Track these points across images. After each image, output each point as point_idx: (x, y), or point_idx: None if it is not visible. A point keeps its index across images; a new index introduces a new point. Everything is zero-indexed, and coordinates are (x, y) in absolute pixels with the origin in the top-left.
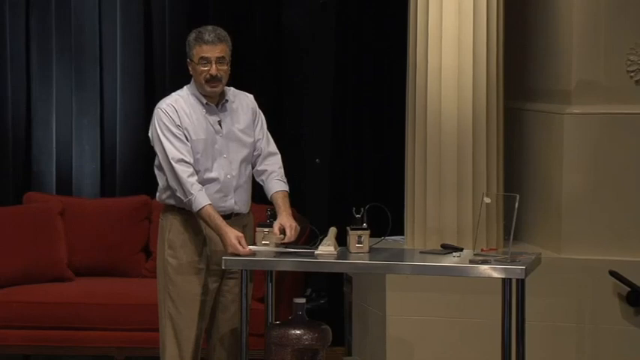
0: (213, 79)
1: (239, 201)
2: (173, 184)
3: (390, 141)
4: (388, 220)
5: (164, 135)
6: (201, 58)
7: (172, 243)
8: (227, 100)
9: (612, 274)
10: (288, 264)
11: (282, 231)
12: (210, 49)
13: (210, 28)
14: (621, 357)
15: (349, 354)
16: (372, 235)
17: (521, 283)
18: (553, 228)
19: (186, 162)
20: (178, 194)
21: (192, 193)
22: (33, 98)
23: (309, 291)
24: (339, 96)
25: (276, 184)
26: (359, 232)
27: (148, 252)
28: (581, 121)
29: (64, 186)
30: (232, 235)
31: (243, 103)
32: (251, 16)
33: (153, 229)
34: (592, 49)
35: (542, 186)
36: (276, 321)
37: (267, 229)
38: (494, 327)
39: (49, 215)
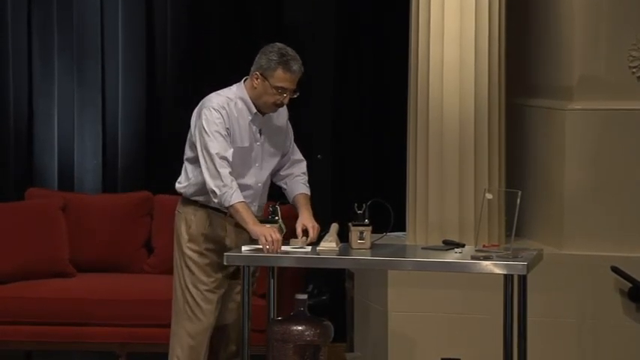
0: (280, 106)
1: (260, 205)
2: (210, 176)
3: (391, 137)
4: (390, 216)
5: (212, 133)
6: (281, 87)
7: (194, 237)
8: (270, 114)
9: (614, 270)
10: (289, 260)
11: (305, 232)
12: (292, 81)
13: (292, 53)
14: (623, 353)
15: (351, 350)
16: (373, 231)
17: (522, 279)
18: (555, 224)
19: (228, 161)
20: (212, 187)
21: (230, 187)
22: (35, 94)
23: (310, 287)
24: (341, 92)
25: (300, 186)
26: (361, 228)
27: (150, 248)
28: (583, 117)
29: (66, 182)
30: (265, 229)
31: (280, 114)
32: (252, 13)
33: (155, 224)
34: (594, 44)
35: (544, 182)
36: (277, 317)
37: (269, 225)
38: (496, 323)
39: (50, 211)
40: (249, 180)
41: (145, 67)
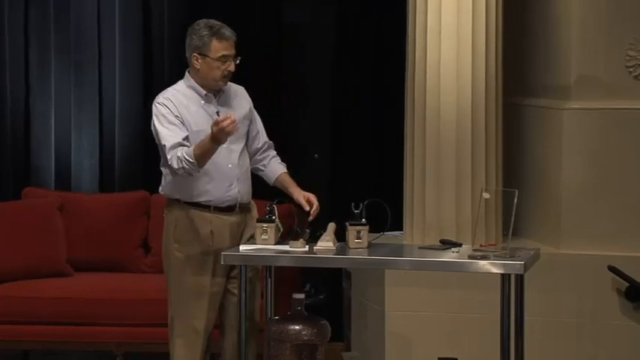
0: (229, 75)
1: (242, 190)
2: (174, 164)
3: (389, 136)
4: (387, 215)
5: (162, 125)
6: (222, 55)
7: (179, 237)
8: (223, 91)
9: (611, 269)
10: (287, 259)
11: (308, 203)
12: (230, 46)
13: (219, 23)
14: (620, 352)
15: (348, 349)
16: (370, 231)
17: (520, 278)
18: (552, 223)
19: (179, 144)
20: (176, 168)
21: (179, 156)
22: (32, 94)
23: (307, 286)
24: (338, 91)
25: (279, 166)
26: (358, 228)
27: (147, 247)
28: (581, 117)
29: (63, 181)
30: (216, 127)
31: (238, 93)
32: (251, 12)
33: (152, 224)
34: (591, 44)
35: (541, 181)
36: (275, 316)
37: (266, 225)
38: (493, 322)
39: (47, 210)
40: (219, 161)
41: (142, 66)
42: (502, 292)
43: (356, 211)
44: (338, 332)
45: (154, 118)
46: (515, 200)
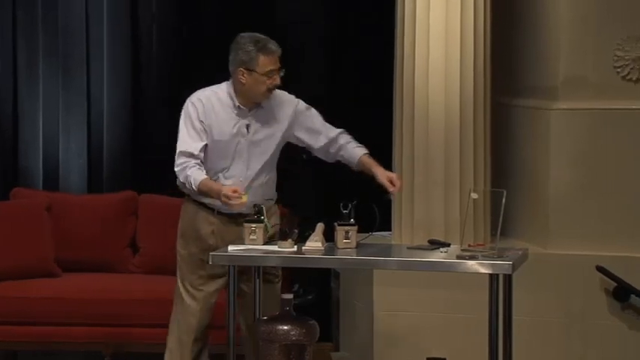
0: (274, 88)
1: (251, 202)
2: (178, 171)
3: (377, 136)
4: (375, 215)
5: (184, 126)
6: (269, 70)
7: (183, 232)
8: (262, 107)
9: (599, 269)
10: (275, 259)
11: (390, 183)
12: (276, 60)
13: (264, 37)
14: (608, 352)
15: (337, 349)
16: (359, 231)
17: (508, 278)
18: (540, 223)
19: (193, 155)
20: (181, 179)
21: (188, 175)
22: (20, 95)
23: (296, 287)
24: (326, 91)
25: (357, 150)
26: (346, 228)
27: (135, 248)
28: (569, 117)
29: (51, 182)
30: (225, 189)
31: (280, 101)
32: (240, 13)
33: (140, 224)
34: (579, 44)
35: (530, 181)
36: (263, 316)
37: (254, 225)
38: (482, 322)
39: (35, 211)
40: (232, 173)
41: (130, 67)
42: (490, 292)
43: (344, 212)
44: (326, 332)
45: (182, 115)
46: (504, 200)
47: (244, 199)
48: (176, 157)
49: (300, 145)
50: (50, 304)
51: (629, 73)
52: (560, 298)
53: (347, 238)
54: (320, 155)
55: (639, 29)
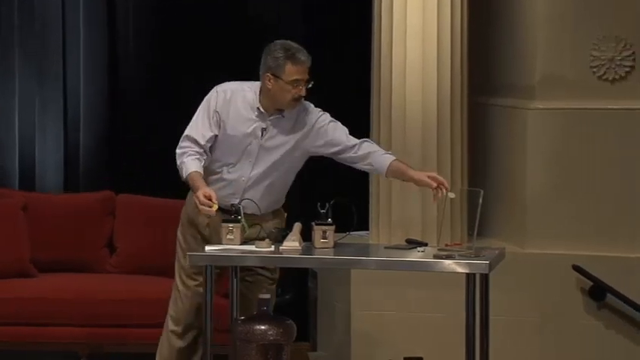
0: (299, 99)
1: (247, 203)
2: (177, 159)
3: (355, 135)
4: (353, 215)
5: (199, 112)
6: (295, 80)
7: (183, 220)
8: (283, 116)
9: (575, 268)
10: (253, 260)
11: (436, 184)
12: (304, 70)
13: (295, 45)
14: (584, 351)
15: (314, 349)
16: (336, 231)
17: (485, 277)
18: (517, 223)
19: (197, 143)
20: (178, 164)
21: (184, 161)
22: None
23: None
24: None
25: (385, 157)
26: (324, 228)
27: (112, 247)
28: (545, 117)
29: (27, 181)
30: (201, 192)
31: (303, 112)
32: (217, 8)
33: (117, 224)
34: (556, 44)
35: (507, 181)
36: (240, 317)
37: (231, 225)
38: (459, 321)
39: (11, 211)
40: (236, 170)
41: (107, 65)
42: (467, 291)
43: (322, 211)
44: (304, 332)
45: (204, 100)
46: (481, 200)
47: (214, 208)
48: (181, 138)
49: (328, 156)
50: (26, 304)
51: (605, 73)
52: (537, 298)
53: (324, 237)
54: (349, 164)
55: (615, 29)
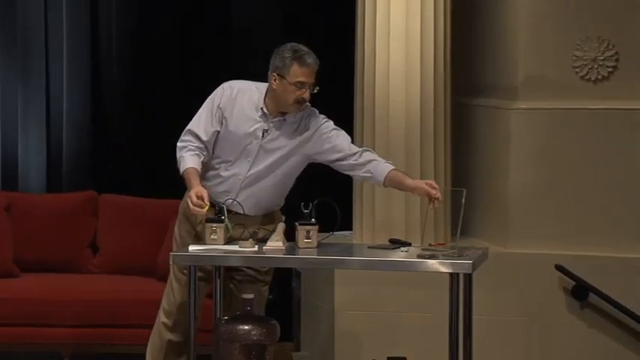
0: (302, 102)
1: (243, 203)
2: (177, 151)
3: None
4: (336, 215)
5: (204, 107)
6: (299, 82)
7: (180, 214)
8: (285, 120)
9: (558, 268)
10: (236, 259)
11: (435, 191)
12: (309, 74)
13: (305, 48)
14: (567, 350)
15: (298, 349)
16: (320, 231)
17: (468, 277)
18: (500, 223)
19: (198, 138)
20: (177, 157)
21: (183, 155)
22: None
23: None
24: None
25: (384, 166)
26: (307, 228)
27: (95, 247)
28: (528, 117)
29: (10, 181)
30: (193, 191)
31: (307, 117)
32: (200, 13)
33: (100, 224)
34: (538, 44)
35: (490, 181)
36: (224, 317)
37: (215, 225)
38: (442, 321)
39: None
40: (234, 168)
41: (90, 65)
42: (451, 291)
43: (305, 211)
44: (287, 332)
45: (211, 95)
46: (464, 199)
47: (205, 209)
48: (183, 132)
49: (327, 163)
50: (8, 304)
51: (587, 73)
52: (520, 297)
53: (308, 237)
54: (347, 172)
55: (598, 29)
